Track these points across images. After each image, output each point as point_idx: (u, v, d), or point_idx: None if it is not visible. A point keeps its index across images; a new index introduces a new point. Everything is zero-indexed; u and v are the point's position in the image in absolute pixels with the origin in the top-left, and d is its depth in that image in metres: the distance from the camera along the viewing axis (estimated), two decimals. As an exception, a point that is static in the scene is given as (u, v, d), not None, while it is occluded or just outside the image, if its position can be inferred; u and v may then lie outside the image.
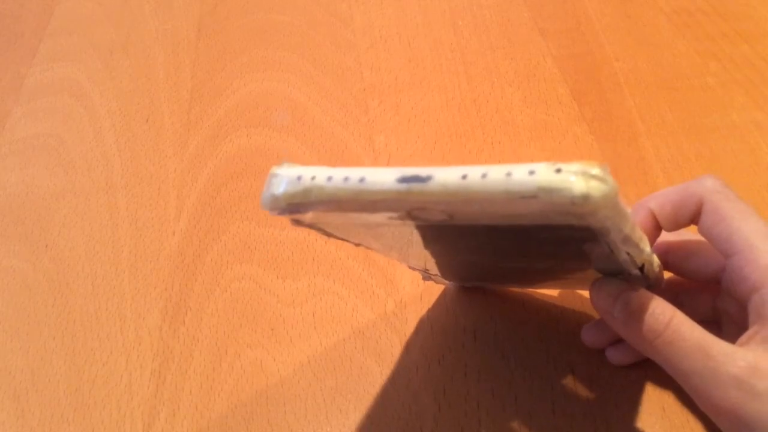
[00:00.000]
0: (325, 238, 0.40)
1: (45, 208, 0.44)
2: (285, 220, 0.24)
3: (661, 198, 0.30)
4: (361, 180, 0.21)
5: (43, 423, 0.34)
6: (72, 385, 0.35)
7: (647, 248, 0.26)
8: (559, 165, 0.19)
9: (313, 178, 0.21)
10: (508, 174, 0.19)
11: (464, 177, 0.19)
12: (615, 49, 0.52)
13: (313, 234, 0.41)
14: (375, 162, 0.45)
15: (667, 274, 0.32)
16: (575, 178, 0.19)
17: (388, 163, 0.45)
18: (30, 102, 0.53)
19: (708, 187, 0.28)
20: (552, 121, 0.47)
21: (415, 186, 0.20)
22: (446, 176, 0.20)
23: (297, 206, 0.22)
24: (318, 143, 0.47)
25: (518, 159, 0.44)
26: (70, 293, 0.39)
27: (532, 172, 0.19)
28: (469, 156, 0.45)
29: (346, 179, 0.21)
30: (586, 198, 0.18)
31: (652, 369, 0.31)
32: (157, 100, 0.52)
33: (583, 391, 0.33)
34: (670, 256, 0.32)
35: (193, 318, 0.38)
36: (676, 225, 0.29)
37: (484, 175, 0.19)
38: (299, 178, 0.22)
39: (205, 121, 0.50)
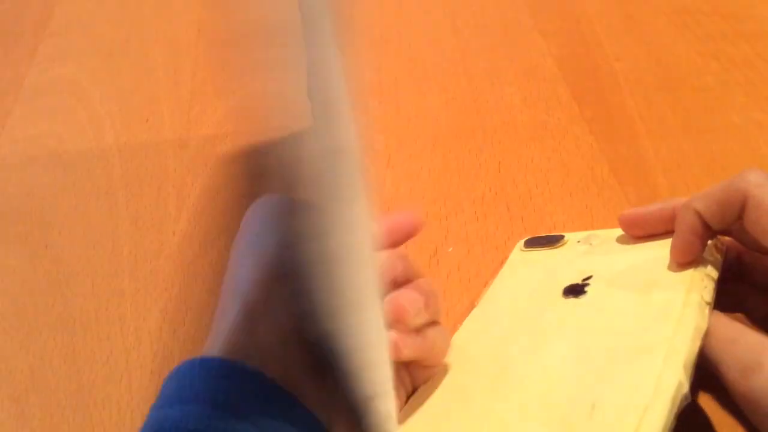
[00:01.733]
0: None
1: (45, 208, 0.44)
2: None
3: (706, 198, 0.29)
4: None
5: (43, 423, 0.34)
6: (72, 385, 0.35)
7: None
8: None
9: None
10: None
11: None
12: (615, 49, 0.52)
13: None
14: (374, 161, 0.45)
15: None
16: None
17: (388, 164, 0.45)
18: (30, 102, 0.53)
19: (751, 181, 0.28)
20: (552, 121, 0.47)
21: None
22: None
23: None
24: (318, 143, 0.47)
25: (518, 159, 0.44)
26: (70, 293, 0.39)
27: None
28: (469, 156, 0.45)
29: None
30: None
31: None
32: (157, 100, 0.52)
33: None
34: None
35: (193, 318, 0.37)
36: (724, 223, 0.29)
37: None
38: None
39: (205, 121, 0.50)
